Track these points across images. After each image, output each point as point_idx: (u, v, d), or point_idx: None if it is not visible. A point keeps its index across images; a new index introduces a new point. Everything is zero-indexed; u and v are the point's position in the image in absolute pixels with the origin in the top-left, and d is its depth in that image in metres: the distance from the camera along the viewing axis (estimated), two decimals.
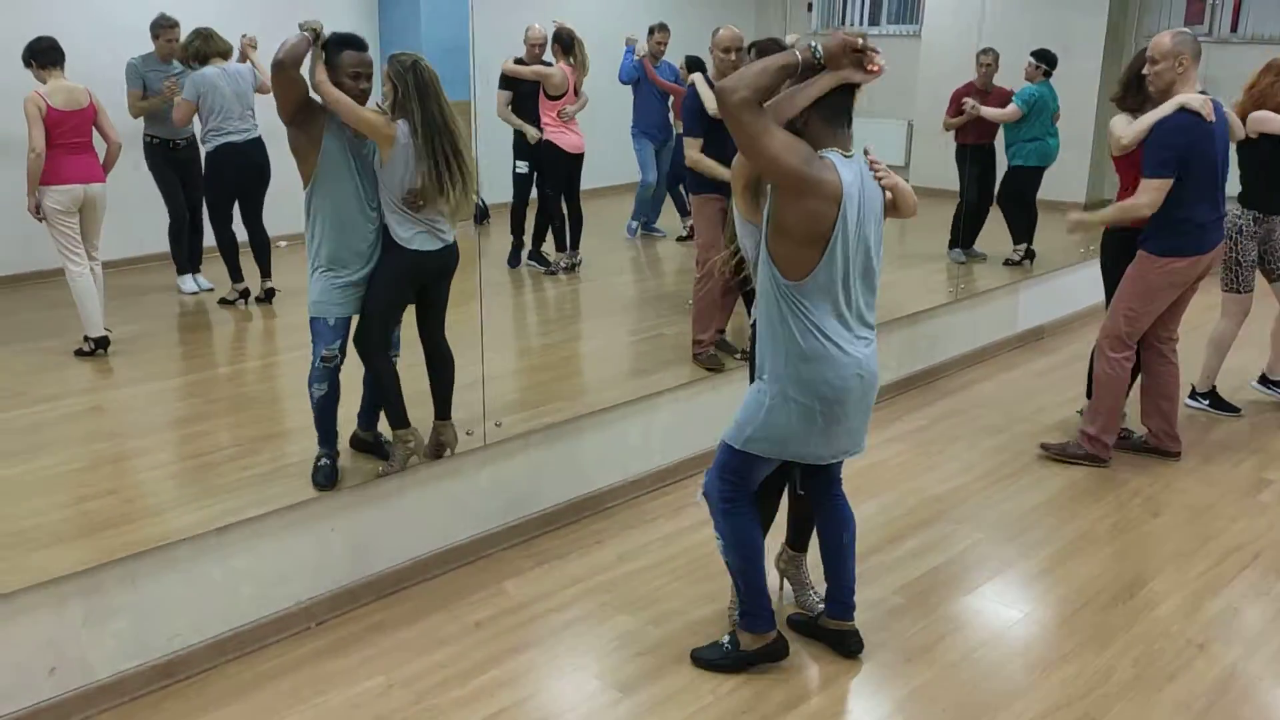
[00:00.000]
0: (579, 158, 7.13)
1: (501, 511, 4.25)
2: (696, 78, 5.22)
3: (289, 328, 5.95)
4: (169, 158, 6.06)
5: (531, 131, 7.01)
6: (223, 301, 6.09)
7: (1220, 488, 4.81)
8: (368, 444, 4.20)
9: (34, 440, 4.41)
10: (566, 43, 7.05)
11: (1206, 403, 5.74)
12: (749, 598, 3.39)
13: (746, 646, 3.41)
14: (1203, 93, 4.56)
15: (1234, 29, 9.73)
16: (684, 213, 8.07)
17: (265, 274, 6.15)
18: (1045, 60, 7.25)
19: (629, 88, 7.82)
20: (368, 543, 3.87)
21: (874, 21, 10.23)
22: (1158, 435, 5.07)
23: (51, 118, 5.18)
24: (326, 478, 3.87)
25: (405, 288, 3.93)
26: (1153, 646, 3.57)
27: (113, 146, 5.49)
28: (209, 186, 6.09)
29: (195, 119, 5.95)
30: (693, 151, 5.11)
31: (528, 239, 7.35)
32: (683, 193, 7.83)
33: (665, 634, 3.63)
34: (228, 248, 6.10)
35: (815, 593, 3.72)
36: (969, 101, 7.25)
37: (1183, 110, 4.49)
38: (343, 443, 4.07)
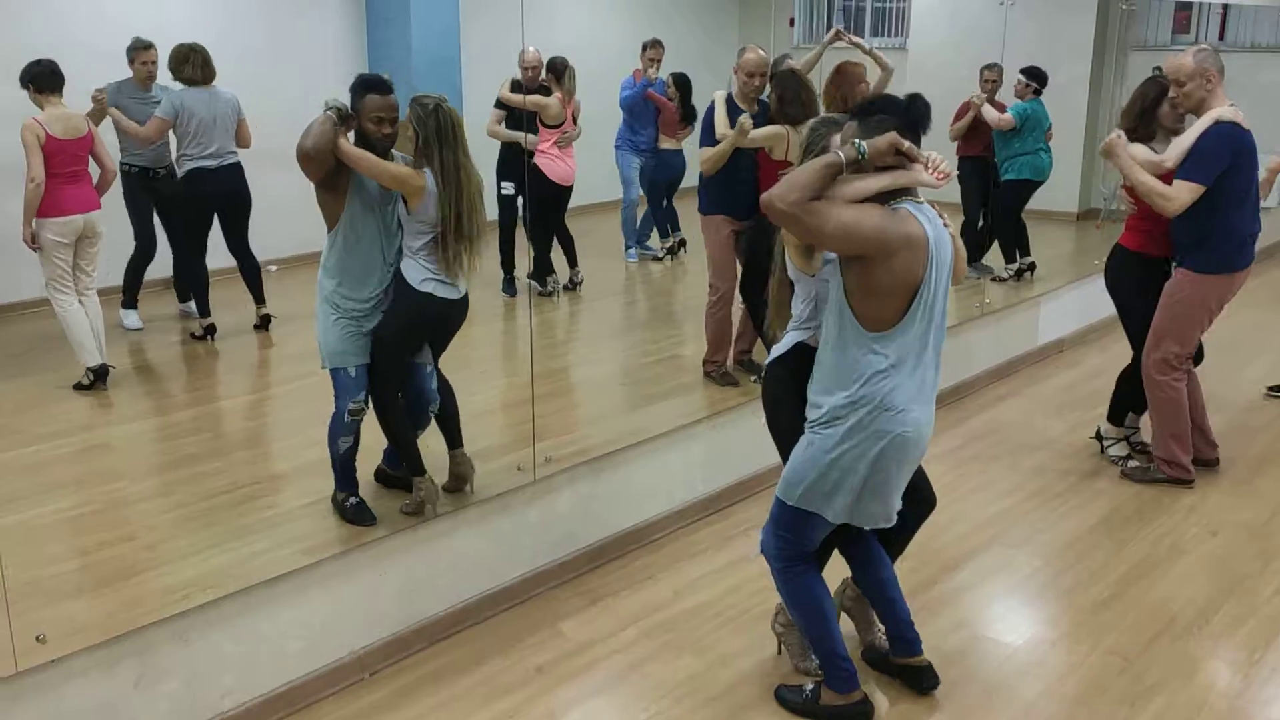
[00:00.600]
0: (568, 189, 6.97)
1: (550, 549, 4.08)
2: (718, 95, 5.12)
3: (289, 357, 5.76)
4: (146, 185, 5.78)
5: (529, 138, 6.81)
6: (193, 336, 5.79)
7: (1271, 502, 4.75)
8: (395, 479, 4.00)
9: (38, 481, 4.16)
10: (559, 70, 6.93)
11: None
12: (822, 659, 3.26)
13: (826, 702, 3.25)
14: (1231, 105, 4.51)
15: (1221, 37, 9.80)
16: (663, 234, 7.94)
17: (259, 300, 5.89)
18: (1035, 78, 7.20)
19: (616, 103, 7.66)
20: (417, 586, 3.68)
21: (855, 35, 10.12)
22: (1195, 446, 4.99)
23: (50, 146, 4.92)
24: (362, 515, 3.70)
25: (414, 331, 3.79)
26: (1239, 675, 3.47)
27: (108, 174, 5.25)
28: (182, 213, 5.80)
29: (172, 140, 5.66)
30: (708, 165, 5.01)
31: (519, 270, 7.13)
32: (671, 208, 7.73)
33: (734, 677, 3.48)
34: (198, 281, 5.80)
35: (881, 631, 3.55)
36: (978, 95, 7.15)
37: (1221, 121, 4.44)
38: (363, 474, 3.89)
